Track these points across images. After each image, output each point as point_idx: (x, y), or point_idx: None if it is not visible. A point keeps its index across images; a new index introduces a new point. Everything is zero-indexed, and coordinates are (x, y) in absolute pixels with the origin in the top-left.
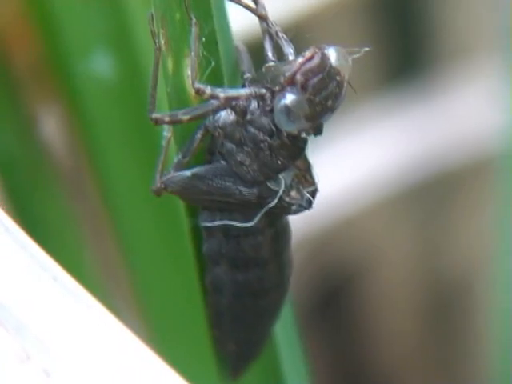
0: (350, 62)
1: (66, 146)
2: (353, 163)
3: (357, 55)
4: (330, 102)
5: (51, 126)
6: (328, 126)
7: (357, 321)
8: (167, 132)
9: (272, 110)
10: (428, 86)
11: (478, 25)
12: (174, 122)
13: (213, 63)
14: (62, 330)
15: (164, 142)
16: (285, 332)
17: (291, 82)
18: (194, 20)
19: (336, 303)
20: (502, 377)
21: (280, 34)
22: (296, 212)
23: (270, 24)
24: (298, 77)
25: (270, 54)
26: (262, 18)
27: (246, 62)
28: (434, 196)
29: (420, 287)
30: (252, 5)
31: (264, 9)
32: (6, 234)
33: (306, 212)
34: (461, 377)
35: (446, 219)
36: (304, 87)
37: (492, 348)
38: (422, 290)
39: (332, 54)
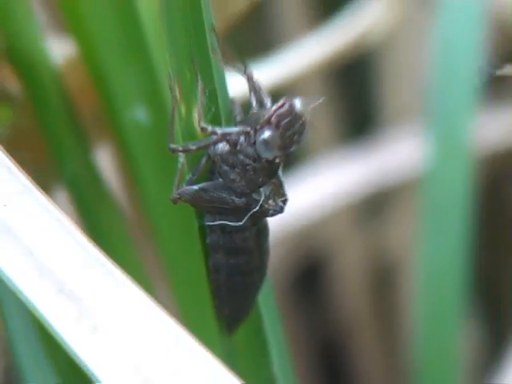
0: (310, 108)
1: (116, 171)
2: (322, 187)
3: (315, 104)
4: (296, 137)
5: (106, 157)
6: (310, 164)
7: (322, 294)
8: (182, 158)
9: (255, 143)
10: (374, 137)
11: (410, 93)
12: (186, 151)
13: (213, 109)
14: (104, 299)
15: (179, 165)
16: (265, 301)
17: (268, 122)
18: (200, 80)
19: (306, 282)
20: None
21: (261, 89)
22: (272, 215)
23: (254, 82)
24: (273, 119)
25: (254, 104)
26: (249, 79)
27: (237, 110)
28: (377, 209)
29: (367, 271)
30: (242, 68)
31: (251, 72)
32: (66, 233)
33: (284, 217)
34: (399, 338)
35: (385, 225)
36: (277, 126)
37: (416, 314)
38: (369, 273)
39: (297, 103)
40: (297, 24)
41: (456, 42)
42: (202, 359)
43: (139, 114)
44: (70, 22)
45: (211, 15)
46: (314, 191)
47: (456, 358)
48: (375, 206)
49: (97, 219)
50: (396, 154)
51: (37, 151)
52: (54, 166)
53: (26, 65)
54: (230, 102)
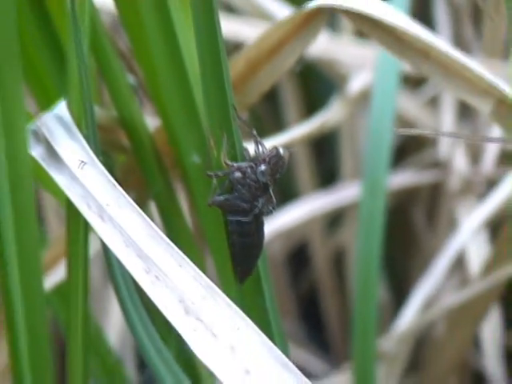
0: (288, 154)
1: (184, 192)
2: (305, 207)
3: (290, 152)
4: (279, 170)
5: (178, 184)
6: (300, 194)
7: (303, 266)
8: (215, 181)
9: (256, 172)
10: (336, 182)
11: (355, 158)
12: (216, 176)
13: (232, 152)
14: (165, 262)
15: (213, 185)
16: (262, 266)
17: (263, 161)
18: (225, 136)
19: (294, 259)
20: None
21: (260, 142)
22: (266, 215)
23: (256, 138)
24: (266, 159)
25: (255, 150)
26: (254, 136)
27: (247, 153)
28: (336, 221)
29: (330, 254)
30: (250, 130)
31: (255, 133)
32: (146, 225)
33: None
34: (347, 292)
35: (340, 230)
36: (269, 163)
37: (356, 280)
38: (331, 255)
39: (280, 150)
40: (292, 112)
41: (379, 126)
42: (221, 299)
43: (195, 158)
44: (155, 106)
45: (233, 99)
46: (301, 209)
47: (375, 308)
48: (336, 219)
49: (171, 220)
50: (347, 191)
51: (137, 180)
52: (147, 188)
53: (131, 128)
54: (243, 149)
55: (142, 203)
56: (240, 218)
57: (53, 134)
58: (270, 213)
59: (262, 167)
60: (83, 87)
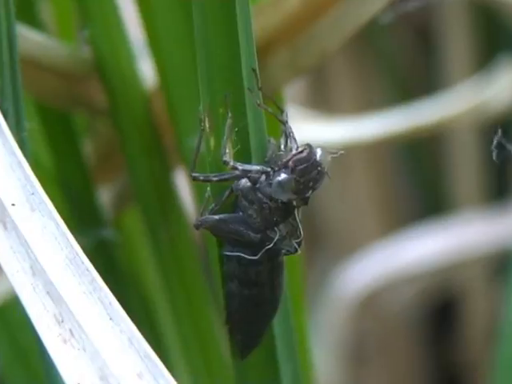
0: (329, 158)
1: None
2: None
3: (334, 155)
4: (311, 184)
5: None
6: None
7: (447, 332)
8: (208, 191)
9: (271, 183)
10: None
11: None
12: (206, 181)
13: (239, 146)
14: (86, 306)
15: (206, 196)
16: (282, 330)
17: (285, 166)
18: (230, 115)
19: (435, 319)
20: None
21: (291, 134)
22: (286, 254)
23: (287, 127)
24: (290, 163)
25: (282, 146)
26: (283, 123)
27: (272, 150)
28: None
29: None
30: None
31: (286, 116)
32: (75, 258)
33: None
34: None
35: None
36: (293, 171)
37: None
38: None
39: (317, 152)
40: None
41: None
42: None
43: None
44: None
45: (254, 57)
46: (456, 234)
47: None
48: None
49: (166, 232)
50: None
51: (118, 165)
52: (130, 180)
53: (115, 80)
54: (266, 141)
55: (122, 201)
56: (243, 255)
57: None
58: (292, 252)
59: (282, 176)
60: None
